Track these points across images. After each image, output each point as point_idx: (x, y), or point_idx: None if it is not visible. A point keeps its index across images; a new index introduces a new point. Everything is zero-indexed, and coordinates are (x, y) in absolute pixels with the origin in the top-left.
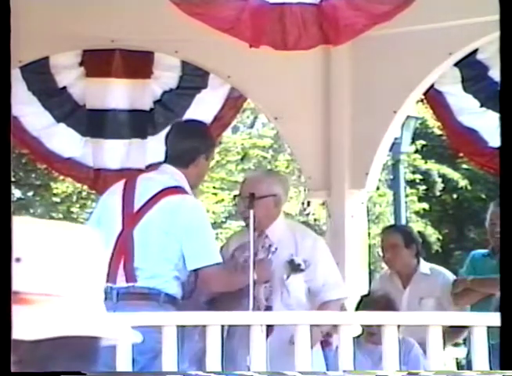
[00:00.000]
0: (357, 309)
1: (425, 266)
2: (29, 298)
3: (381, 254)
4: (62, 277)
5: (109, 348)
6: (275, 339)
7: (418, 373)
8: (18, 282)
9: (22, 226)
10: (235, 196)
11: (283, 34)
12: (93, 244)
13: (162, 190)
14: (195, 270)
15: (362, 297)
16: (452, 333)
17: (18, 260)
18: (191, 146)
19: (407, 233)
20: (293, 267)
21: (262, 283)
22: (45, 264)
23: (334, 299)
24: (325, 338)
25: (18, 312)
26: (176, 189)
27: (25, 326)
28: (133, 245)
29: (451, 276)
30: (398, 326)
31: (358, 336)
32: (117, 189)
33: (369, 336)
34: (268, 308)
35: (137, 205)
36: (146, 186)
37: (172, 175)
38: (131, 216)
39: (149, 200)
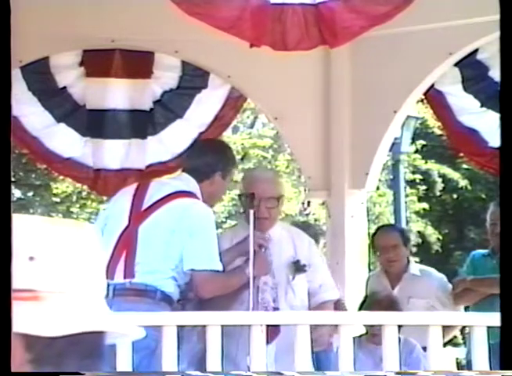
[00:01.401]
0: (360, 309)
1: (415, 267)
2: (38, 295)
3: (378, 253)
4: (69, 274)
5: (110, 346)
6: (281, 341)
7: (416, 373)
8: (26, 279)
9: (25, 224)
10: (240, 195)
11: (283, 35)
12: (95, 241)
13: (174, 193)
14: (191, 272)
15: (366, 297)
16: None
17: (31, 258)
18: (207, 161)
19: (404, 233)
20: (299, 268)
21: (262, 276)
22: (50, 261)
23: (330, 300)
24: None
25: (28, 309)
26: (188, 194)
27: (36, 323)
28: (136, 241)
29: (441, 278)
30: (400, 326)
31: (361, 336)
32: (128, 190)
33: (372, 336)
34: (276, 309)
35: (146, 205)
36: (158, 189)
37: (187, 183)
38: (138, 214)
39: (159, 200)
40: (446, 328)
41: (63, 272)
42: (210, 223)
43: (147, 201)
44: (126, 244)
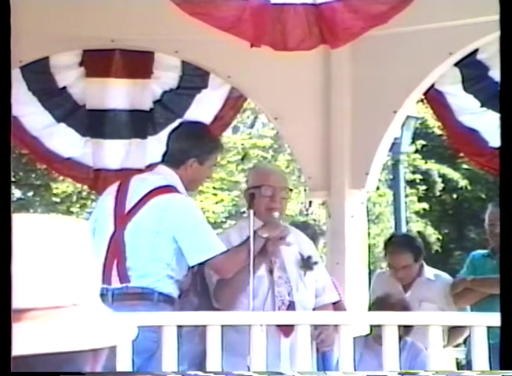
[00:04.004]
0: (370, 309)
1: (429, 271)
2: (33, 315)
3: (392, 265)
4: (65, 284)
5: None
6: (295, 339)
7: (417, 373)
8: (22, 297)
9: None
10: (246, 190)
11: (283, 35)
12: (85, 238)
13: (152, 190)
14: (200, 264)
15: (378, 298)
16: (453, 334)
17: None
18: (183, 148)
19: (416, 248)
20: (310, 264)
21: (277, 240)
22: (43, 271)
23: (333, 302)
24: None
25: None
26: (166, 189)
27: (29, 341)
28: (124, 246)
29: (450, 280)
30: (405, 327)
31: (367, 335)
32: (111, 190)
33: (378, 337)
34: (291, 303)
35: (128, 206)
36: (137, 187)
37: (165, 176)
38: (122, 217)
39: (139, 200)
40: (452, 334)
41: (53, 282)
42: (194, 213)
43: (129, 202)
44: (116, 249)
